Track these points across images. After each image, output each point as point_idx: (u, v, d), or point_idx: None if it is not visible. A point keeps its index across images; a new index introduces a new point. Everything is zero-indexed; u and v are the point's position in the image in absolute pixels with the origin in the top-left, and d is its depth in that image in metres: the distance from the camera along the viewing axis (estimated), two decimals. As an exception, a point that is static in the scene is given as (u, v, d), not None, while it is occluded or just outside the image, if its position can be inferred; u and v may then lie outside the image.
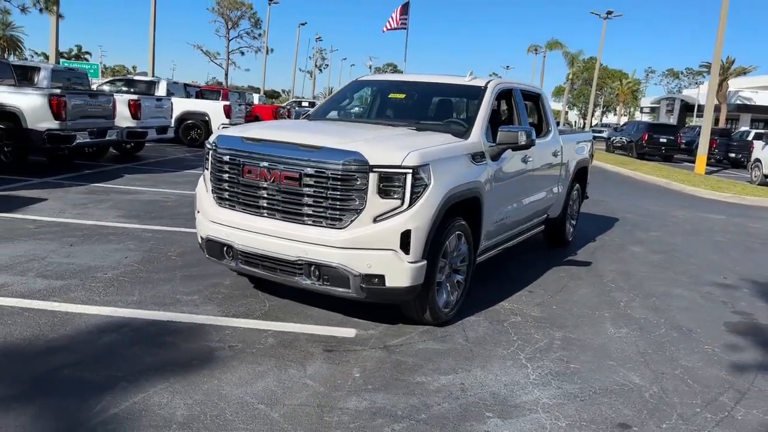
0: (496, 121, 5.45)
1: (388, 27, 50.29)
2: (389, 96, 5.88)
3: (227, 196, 4.28)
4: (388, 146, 3.99)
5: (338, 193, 3.83)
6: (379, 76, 6.42)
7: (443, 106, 5.64)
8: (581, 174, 7.57)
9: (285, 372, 3.47)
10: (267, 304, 4.54)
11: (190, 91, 21.17)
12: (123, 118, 12.12)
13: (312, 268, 3.92)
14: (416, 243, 3.86)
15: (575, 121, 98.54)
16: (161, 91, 17.45)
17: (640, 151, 28.45)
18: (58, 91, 10.08)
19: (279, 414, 3.00)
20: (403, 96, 5.83)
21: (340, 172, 3.81)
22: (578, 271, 6.29)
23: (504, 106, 6.04)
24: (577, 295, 5.43)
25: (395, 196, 3.83)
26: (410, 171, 3.82)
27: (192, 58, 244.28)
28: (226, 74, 49.01)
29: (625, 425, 3.18)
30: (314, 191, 3.89)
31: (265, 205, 4.09)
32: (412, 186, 3.85)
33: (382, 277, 3.86)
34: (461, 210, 4.45)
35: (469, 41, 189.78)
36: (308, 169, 3.88)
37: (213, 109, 17.69)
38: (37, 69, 12.73)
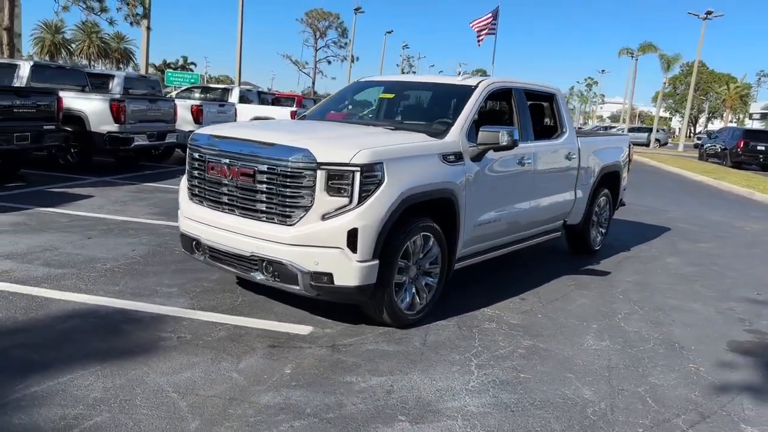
0: (491, 122, 5.30)
1: (478, 33, 49.88)
2: (380, 96, 5.85)
3: (197, 192, 4.42)
4: (339, 144, 3.97)
5: (288, 189, 3.86)
6: (380, 77, 6.38)
7: (431, 106, 5.53)
8: (610, 179, 7.15)
9: (217, 364, 3.52)
10: (240, 299, 4.63)
11: (266, 98, 22.02)
12: (186, 122, 12.78)
13: (265, 264, 3.97)
14: (364, 242, 3.81)
15: (679, 128, 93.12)
16: (234, 97, 18.23)
17: (735, 160, 26.46)
18: (118, 96, 10.78)
19: (187, 403, 3.06)
20: (392, 96, 5.78)
21: (288, 169, 3.84)
22: (590, 280, 5.96)
23: (503, 107, 5.82)
24: (574, 305, 5.14)
25: (343, 194, 3.80)
26: (358, 169, 3.78)
27: (290, 69, 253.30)
28: (313, 83, 50.51)
29: (546, 440, 2.99)
30: (267, 188, 3.94)
31: (225, 200, 4.18)
32: (361, 184, 3.80)
33: (330, 276, 3.84)
34: (429, 210, 4.36)
35: (560, 45, 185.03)
36: (261, 165, 3.94)
37: (280, 115, 18.21)
38: (111, 76, 13.69)
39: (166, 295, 4.59)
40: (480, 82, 5.16)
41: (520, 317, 4.73)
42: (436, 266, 4.50)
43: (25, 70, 10.93)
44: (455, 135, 4.62)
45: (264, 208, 3.97)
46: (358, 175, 3.79)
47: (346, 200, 3.80)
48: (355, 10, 46.16)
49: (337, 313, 4.39)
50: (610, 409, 3.34)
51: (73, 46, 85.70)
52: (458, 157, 4.55)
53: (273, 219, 3.94)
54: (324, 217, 3.82)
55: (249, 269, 4.08)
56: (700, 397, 3.57)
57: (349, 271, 3.82)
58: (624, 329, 4.64)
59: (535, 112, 5.94)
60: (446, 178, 4.40)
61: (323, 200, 3.81)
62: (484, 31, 49.49)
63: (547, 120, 6.32)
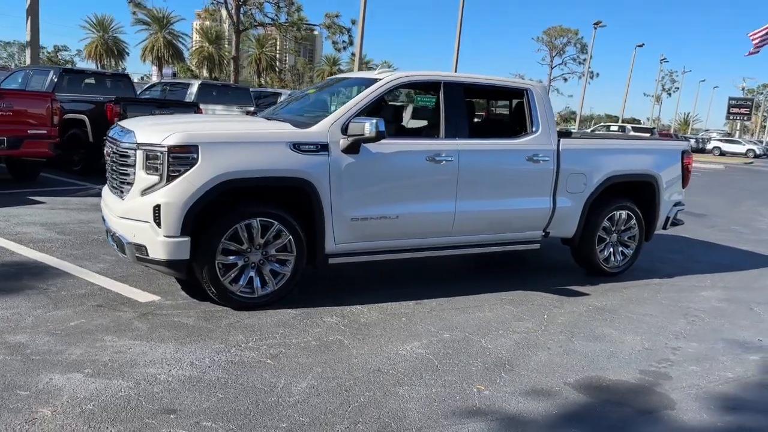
0: (408, 116, 5.12)
1: (756, 44, 44.10)
2: (309, 92, 5.93)
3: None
4: (159, 128, 4.31)
5: (122, 168, 4.36)
6: (345, 74, 6.38)
7: (343, 99, 5.44)
8: (635, 190, 6.11)
9: (34, 310, 4.12)
10: (144, 271, 5.19)
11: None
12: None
13: (111, 235, 4.51)
14: (168, 218, 4.10)
15: None
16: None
17: None
18: (252, 109, 12.35)
19: (-42, 330, 3.74)
20: (313, 91, 5.81)
21: (122, 149, 4.34)
22: (539, 298, 5.23)
23: (426, 102, 5.46)
24: (465, 317, 4.64)
25: (156, 173, 4.16)
26: (166, 149, 4.10)
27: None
28: (547, 101, 49.13)
29: (173, 411, 2.97)
30: (116, 167, 4.49)
31: (109, 179, 4.83)
32: (170, 164, 4.11)
33: (145, 248, 4.22)
34: (279, 198, 4.47)
35: None
36: (114, 147, 4.51)
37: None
38: (279, 94, 15.57)
39: (97, 261, 5.40)
40: (387, 76, 5.02)
41: (378, 317, 4.48)
42: (289, 255, 4.54)
43: (194, 88, 13.18)
44: (324, 126, 4.61)
45: (116, 185, 4.53)
46: (166, 156, 4.11)
47: (157, 178, 4.15)
48: (595, 24, 43.99)
49: (203, 293, 4.66)
50: (296, 402, 3.13)
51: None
52: (321, 147, 4.53)
53: (118, 194, 4.47)
54: (142, 193, 4.22)
55: (111, 239, 4.65)
56: (418, 414, 3.10)
57: (157, 244, 4.15)
58: (474, 343, 4.10)
59: (491, 109, 5.47)
60: (296, 166, 4.42)
61: (142, 178, 4.21)
62: (765, 41, 43.55)
63: (513, 118, 5.71)
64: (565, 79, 48.94)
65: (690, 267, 6.82)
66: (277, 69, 78.24)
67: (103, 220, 5.07)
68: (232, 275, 4.38)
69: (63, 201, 8.17)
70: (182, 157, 4.12)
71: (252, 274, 4.46)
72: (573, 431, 3.07)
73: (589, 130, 37.84)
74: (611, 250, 6.12)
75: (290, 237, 4.50)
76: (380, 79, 4.99)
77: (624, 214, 6.09)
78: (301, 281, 4.82)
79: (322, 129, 4.59)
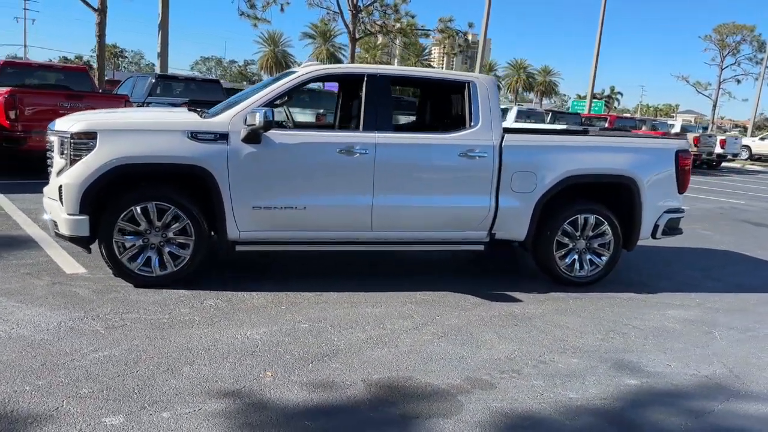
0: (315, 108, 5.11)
1: None
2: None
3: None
4: (73, 118, 4.78)
5: (49, 153, 4.92)
6: (289, 70, 6.40)
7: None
8: (607, 193, 5.53)
9: (-30, 272, 4.84)
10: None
11: (568, 118, 21.51)
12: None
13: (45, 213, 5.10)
14: (68, 198, 4.56)
15: None
16: (510, 117, 18.62)
17: None
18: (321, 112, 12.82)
19: None
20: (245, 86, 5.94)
21: (48, 137, 4.91)
22: (456, 300, 4.94)
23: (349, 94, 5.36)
24: (348, 312, 4.56)
25: (65, 157, 4.65)
26: (69, 136, 4.57)
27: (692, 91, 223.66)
28: (715, 105, 44.42)
29: (-34, 361, 3.37)
30: (48, 153, 5.06)
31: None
32: (72, 149, 4.58)
33: (56, 223, 4.73)
34: (179, 184, 4.76)
35: None
36: (47, 136, 5.09)
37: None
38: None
39: (74, 239, 6.08)
40: (301, 69, 5.10)
41: (260, 303, 4.58)
42: (189, 239, 4.79)
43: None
44: (226, 117, 4.81)
45: (48, 168, 5.11)
46: (70, 141, 4.58)
47: (65, 162, 4.64)
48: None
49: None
50: (76, 367, 3.37)
51: (503, 81, 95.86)
52: (220, 136, 4.73)
53: (49, 176, 5.05)
54: (57, 175, 4.73)
55: (48, 217, 5.22)
56: (171, 390, 3.19)
57: (62, 221, 4.63)
58: (323, 335, 4.04)
59: (427, 102, 5.30)
60: (191, 154, 4.66)
61: (57, 161, 4.73)
62: None
63: (454, 112, 5.41)
64: (738, 81, 43.65)
65: (694, 284, 5.95)
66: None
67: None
68: (130, 254, 4.74)
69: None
70: (82, 142, 4.56)
71: (151, 254, 4.78)
72: (305, 422, 2.96)
73: (758, 138, 33.69)
74: (576, 257, 5.57)
75: (188, 222, 4.75)
76: (293, 72, 5.08)
77: (592, 218, 5.51)
78: (218, 266, 5.04)
79: (224, 119, 4.80)
